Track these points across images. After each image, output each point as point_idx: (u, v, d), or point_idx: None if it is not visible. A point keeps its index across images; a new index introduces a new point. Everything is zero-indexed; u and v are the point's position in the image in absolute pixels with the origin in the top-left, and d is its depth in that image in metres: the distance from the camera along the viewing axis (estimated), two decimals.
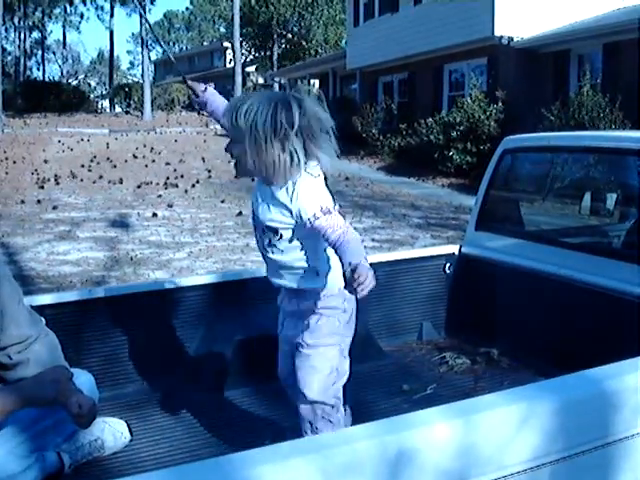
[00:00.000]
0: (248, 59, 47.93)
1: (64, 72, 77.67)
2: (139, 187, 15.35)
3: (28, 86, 47.97)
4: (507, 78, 17.09)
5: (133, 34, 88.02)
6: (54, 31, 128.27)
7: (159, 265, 8.16)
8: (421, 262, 4.25)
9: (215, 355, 3.58)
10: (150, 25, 3.61)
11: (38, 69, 71.45)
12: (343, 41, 38.02)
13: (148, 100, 40.39)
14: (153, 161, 20.36)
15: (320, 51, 43.00)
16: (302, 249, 2.44)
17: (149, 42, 47.74)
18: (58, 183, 15.90)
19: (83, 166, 18.84)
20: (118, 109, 51.70)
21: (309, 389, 2.51)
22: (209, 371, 3.57)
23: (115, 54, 66.75)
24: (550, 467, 1.97)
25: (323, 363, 2.51)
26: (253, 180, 2.53)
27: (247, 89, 44.91)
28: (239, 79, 35.84)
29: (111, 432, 2.91)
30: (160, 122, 35.78)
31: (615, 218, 4.35)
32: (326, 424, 2.55)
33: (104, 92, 69.43)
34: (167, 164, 19.41)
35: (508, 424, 1.92)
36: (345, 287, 2.42)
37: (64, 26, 69.53)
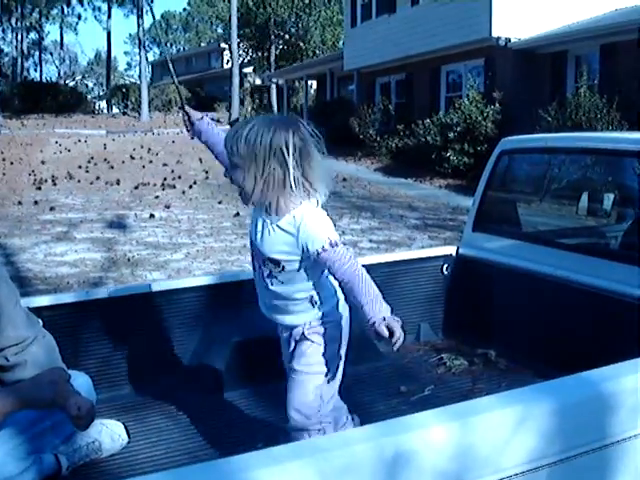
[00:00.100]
0: (245, 60, 47.90)
1: (61, 73, 77.65)
2: (136, 188, 15.33)
3: (25, 87, 47.93)
4: (504, 79, 17.10)
5: (130, 35, 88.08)
6: (51, 32, 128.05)
7: (156, 266, 8.15)
8: (418, 263, 4.25)
9: (213, 356, 3.58)
10: (157, 28, 3.53)
11: (35, 70, 71.47)
12: (340, 42, 38.03)
13: (145, 101, 40.39)
14: (150, 162, 20.35)
15: (317, 52, 42.99)
16: (302, 280, 2.42)
17: (146, 43, 47.79)
18: (55, 184, 15.88)
19: (80, 167, 18.83)
20: (115, 110, 51.70)
21: (293, 415, 2.52)
22: (207, 372, 3.56)
23: (112, 55, 66.79)
24: (547, 469, 1.97)
25: (308, 390, 2.51)
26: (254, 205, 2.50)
27: (244, 90, 44.91)
28: (236, 80, 35.85)
29: (109, 434, 2.91)
30: (157, 123, 35.79)
31: (612, 219, 4.35)
32: None
33: (101, 93, 69.48)
34: (164, 165, 19.41)
35: (505, 426, 1.92)
36: (376, 339, 2.35)
37: (61, 27, 69.55)
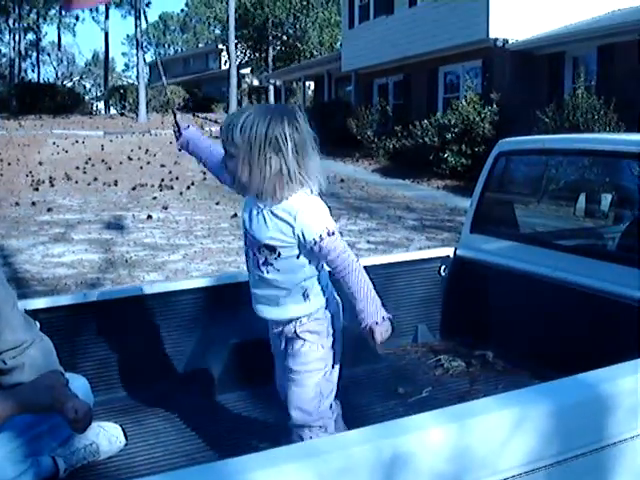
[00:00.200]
0: (243, 61, 47.87)
1: (59, 74, 77.56)
2: (134, 189, 15.33)
3: (23, 88, 47.84)
4: (502, 80, 17.12)
5: (128, 36, 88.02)
6: (49, 33, 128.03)
7: (154, 267, 8.15)
8: (416, 265, 4.25)
9: (211, 358, 3.58)
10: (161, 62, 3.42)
11: (33, 71, 71.36)
12: (338, 43, 38.04)
13: (143, 102, 40.32)
14: (148, 163, 20.35)
15: (315, 53, 42.98)
16: (298, 268, 2.41)
17: (144, 44, 47.75)
18: (53, 185, 15.87)
19: (78, 168, 18.82)
20: (113, 111, 51.64)
21: (294, 414, 2.52)
22: (205, 375, 3.56)
23: (110, 56, 66.60)
24: (545, 471, 1.97)
25: (308, 388, 2.51)
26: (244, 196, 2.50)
27: (242, 91, 44.90)
28: (234, 81, 35.84)
29: (106, 436, 2.91)
30: (155, 124, 35.72)
31: (610, 220, 4.36)
32: None
33: (99, 94, 69.44)
34: (162, 166, 19.40)
35: (503, 428, 1.92)
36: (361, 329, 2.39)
37: (59, 28, 69.48)
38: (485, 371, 3.81)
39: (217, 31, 65.48)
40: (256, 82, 49.21)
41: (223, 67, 51.43)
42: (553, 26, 16.56)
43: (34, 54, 69.97)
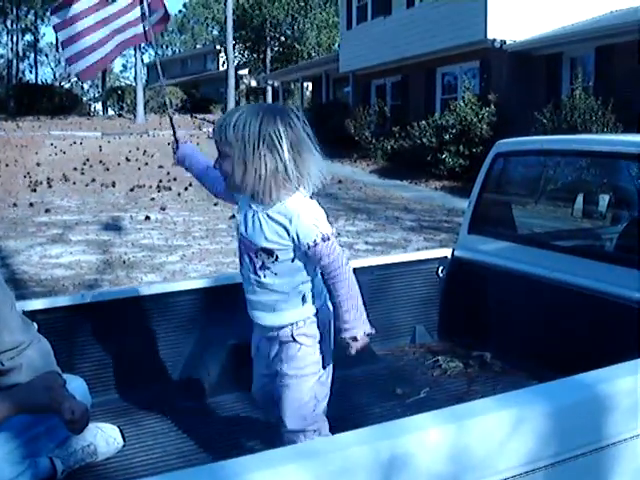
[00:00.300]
0: (241, 62, 47.90)
1: (57, 75, 77.55)
2: (132, 190, 15.32)
3: (21, 89, 47.85)
4: (500, 81, 17.13)
5: None
6: (47, 34, 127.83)
7: (152, 268, 8.15)
8: (414, 265, 4.25)
9: (208, 360, 3.58)
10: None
11: (31, 72, 71.40)
12: (336, 44, 38.05)
13: (141, 103, 40.32)
14: (146, 164, 20.34)
15: (313, 54, 43.00)
16: (296, 272, 2.39)
17: (142, 45, 47.57)
18: (51, 186, 15.86)
19: (76, 169, 18.81)
20: (111, 112, 51.65)
21: (290, 419, 2.50)
22: (202, 376, 3.56)
23: None
24: (543, 471, 1.97)
25: (303, 392, 2.49)
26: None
27: (240, 92, 44.90)
28: (232, 82, 35.83)
29: (104, 438, 2.91)
30: (153, 125, 35.72)
31: (607, 221, 4.36)
32: None
33: (97, 95, 69.33)
34: (160, 167, 19.39)
35: (501, 428, 1.92)
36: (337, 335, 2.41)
37: None
38: (483, 372, 3.81)
39: (215, 32, 65.55)
40: (254, 83, 49.23)
41: (221, 68, 51.41)
42: (551, 27, 16.58)
43: (32, 55, 70.01)
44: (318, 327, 2.48)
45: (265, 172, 2.24)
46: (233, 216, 11.57)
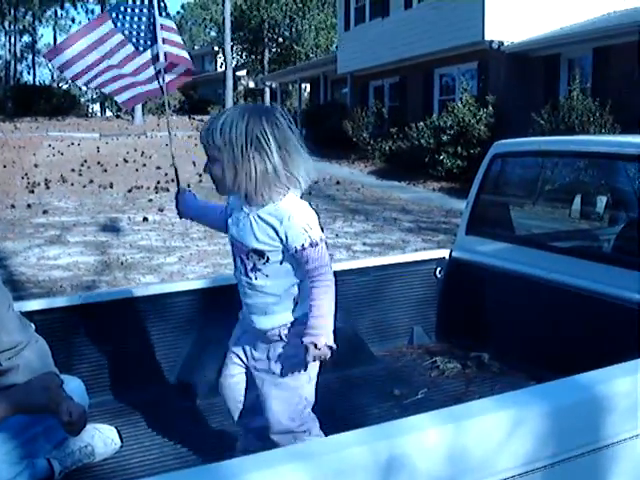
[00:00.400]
0: (239, 63, 47.88)
1: (55, 76, 77.37)
2: (130, 191, 15.31)
3: (18, 90, 47.79)
4: (497, 82, 17.15)
5: None
6: (45, 35, 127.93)
7: (150, 269, 8.14)
8: (412, 266, 4.25)
9: (206, 361, 3.57)
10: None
11: (29, 73, 71.28)
12: (334, 45, 38.06)
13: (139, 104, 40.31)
14: (144, 165, 20.33)
15: (311, 55, 42.99)
16: (287, 274, 2.39)
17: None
18: (48, 187, 15.85)
19: (73, 170, 18.79)
20: (109, 113, 51.64)
21: (279, 418, 2.50)
22: (200, 377, 3.55)
23: None
24: (541, 472, 1.97)
25: (292, 393, 2.49)
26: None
27: (238, 93, 44.89)
28: (230, 83, 35.82)
29: (101, 439, 2.90)
30: (151, 126, 35.68)
31: (605, 222, 4.36)
32: None
33: (95, 96, 69.28)
34: (158, 168, 19.36)
35: (499, 429, 1.92)
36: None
37: (55, 30, 69.36)
38: (481, 373, 3.81)
39: (213, 33, 65.52)
40: (252, 84, 49.18)
41: (219, 69, 51.39)
42: (548, 28, 16.59)
43: (30, 56, 69.92)
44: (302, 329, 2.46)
45: (255, 174, 2.24)
46: None
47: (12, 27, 57.60)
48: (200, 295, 3.68)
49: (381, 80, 23.41)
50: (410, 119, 18.70)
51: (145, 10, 3.31)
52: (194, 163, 20.18)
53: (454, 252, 4.30)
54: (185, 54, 3.34)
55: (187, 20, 78.50)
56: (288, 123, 2.30)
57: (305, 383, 2.51)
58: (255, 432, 2.67)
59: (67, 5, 59.03)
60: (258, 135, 2.21)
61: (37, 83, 60.89)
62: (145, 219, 11.75)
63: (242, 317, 2.63)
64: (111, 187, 15.90)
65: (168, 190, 15.41)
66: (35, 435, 2.64)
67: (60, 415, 2.37)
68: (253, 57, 47.03)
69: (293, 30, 44.39)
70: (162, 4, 3.30)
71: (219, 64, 53.28)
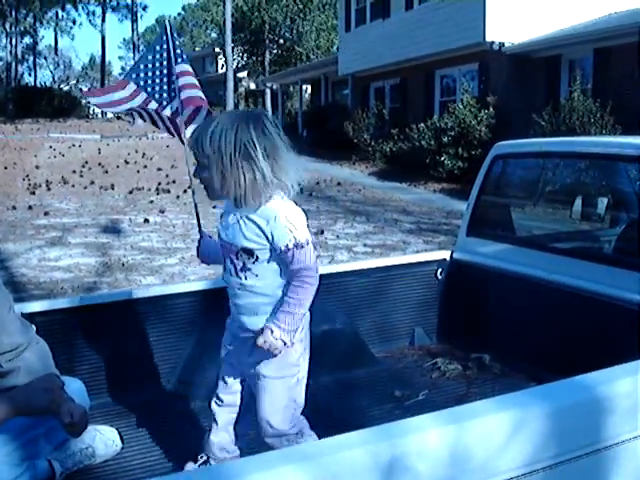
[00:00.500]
0: (240, 65, 47.86)
1: (56, 77, 77.56)
2: (131, 193, 15.32)
3: (20, 92, 47.90)
4: (498, 83, 17.15)
5: (125, 40, 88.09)
6: (46, 36, 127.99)
7: (151, 271, 8.14)
8: (413, 268, 4.25)
9: (207, 362, 3.57)
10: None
11: (30, 75, 71.40)
12: (335, 47, 38.07)
13: None
14: (145, 167, 20.34)
15: (312, 56, 43.00)
16: (276, 273, 2.40)
17: (141, 47, 47.75)
18: (49, 189, 15.86)
19: (75, 172, 18.81)
20: (110, 115, 51.64)
21: (271, 421, 2.50)
22: (201, 378, 3.55)
23: (107, 59, 66.74)
24: (542, 473, 1.97)
25: (282, 394, 2.50)
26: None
27: (239, 94, 44.90)
28: (231, 84, 35.82)
29: (102, 440, 2.90)
30: (152, 128, 35.73)
31: (606, 223, 4.36)
32: None
33: None
34: (159, 170, 19.38)
35: (500, 430, 1.92)
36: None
37: (56, 31, 69.50)
38: (482, 374, 3.81)
39: (214, 35, 65.53)
40: (253, 86, 49.18)
41: (220, 71, 51.43)
42: (549, 29, 16.60)
43: (31, 58, 70.01)
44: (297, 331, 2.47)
45: (244, 181, 2.27)
46: None
47: (13, 29, 57.66)
48: (201, 297, 3.68)
49: (382, 81, 23.42)
50: (411, 120, 18.70)
51: (165, 62, 3.49)
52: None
53: (455, 253, 4.30)
54: (201, 94, 3.45)
55: (188, 22, 78.64)
56: (277, 130, 2.33)
57: (294, 385, 2.52)
58: (248, 437, 2.68)
59: (68, 7, 59.08)
60: (246, 144, 2.25)
61: (38, 85, 61.02)
62: (146, 220, 11.76)
63: (230, 322, 2.64)
64: (112, 188, 15.91)
65: (169, 192, 15.43)
66: (36, 437, 2.64)
67: (61, 417, 2.38)
68: (254, 58, 47.02)
69: (294, 31, 44.39)
70: (179, 52, 3.48)
71: (220, 65, 53.33)
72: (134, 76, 3.52)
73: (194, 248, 2.96)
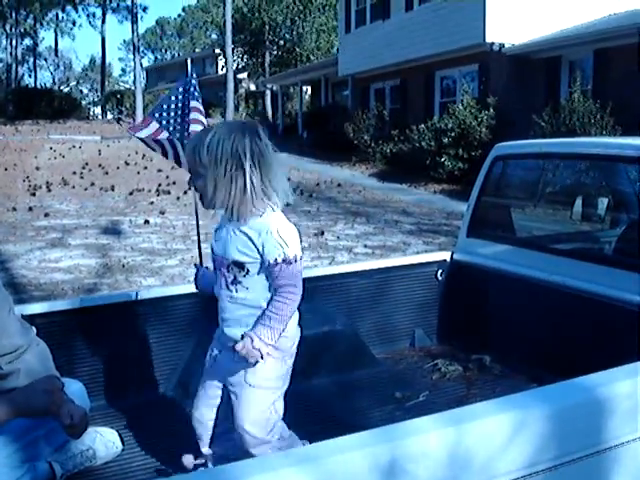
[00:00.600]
0: (240, 66, 47.85)
1: (56, 79, 77.61)
2: (131, 194, 15.32)
3: (20, 93, 47.89)
4: (498, 84, 17.15)
5: (125, 41, 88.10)
6: (46, 38, 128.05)
7: (151, 272, 8.14)
8: (413, 269, 4.25)
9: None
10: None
11: (30, 76, 71.39)
12: (335, 48, 38.06)
13: (140, 107, 40.36)
14: (145, 168, 20.34)
15: (312, 58, 42.98)
16: (267, 286, 2.41)
17: (141, 49, 47.76)
18: (50, 190, 15.86)
19: (75, 173, 18.81)
20: (110, 116, 51.70)
21: (249, 430, 2.51)
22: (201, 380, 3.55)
23: (107, 61, 66.70)
24: (543, 474, 1.97)
25: (263, 403, 2.51)
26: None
27: (239, 96, 44.90)
28: (231, 86, 35.83)
29: (103, 442, 2.90)
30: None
31: (606, 224, 4.36)
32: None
33: (96, 99, 69.46)
34: (159, 171, 19.37)
35: (501, 432, 1.92)
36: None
37: (56, 33, 69.51)
38: (482, 375, 3.81)
39: (214, 36, 65.60)
40: (253, 87, 49.18)
41: (220, 72, 51.43)
42: (549, 30, 16.60)
43: (31, 59, 70.01)
44: (288, 342, 2.50)
45: (236, 191, 2.30)
46: None
47: (13, 30, 57.66)
48: (201, 298, 3.67)
49: (382, 82, 23.42)
50: (411, 121, 18.69)
51: (180, 97, 3.76)
52: None
53: (455, 254, 4.29)
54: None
55: (188, 23, 78.66)
56: (267, 140, 2.36)
57: (276, 395, 2.54)
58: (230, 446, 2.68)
59: (68, 8, 59.08)
60: (240, 154, 2.28)
61: (38, 86, 60.99)
62: (146, 222, 11.76)
63: (217, 336, 2.65)
64: (112, 190, 15.91)
65: (169, 193, 15.43)
66: (36, 438, 2.64)
67: (61, 418, 2.38)
68: (254, 60, 46.99)
69: (294, 33, 44.36)
70: (197, 90, 3.74)
71: (220, 67, 53.34)
72: (157, 115, 3.81)
73: (194, 249, 2.98)
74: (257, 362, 2.41)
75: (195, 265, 2.93)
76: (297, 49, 44.07)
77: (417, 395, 3.58)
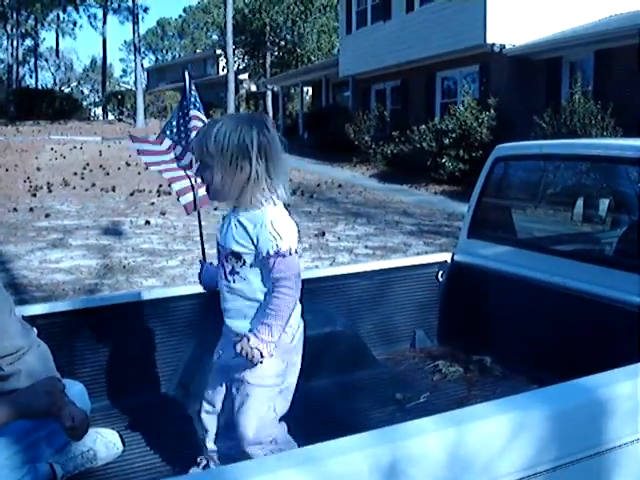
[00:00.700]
0: (241, 66, 47.88)
1: (57, 79, 77.68)
2: (132, 195, 15.33)
3: (21, 94, 47.93)
4: (499, 85, 17.15)
5: (126, 42, 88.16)
6: (47, 39, 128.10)
7: (152, 273, 8.14)
8: (414, 270, 4.25)
9: (208, 364, 3.57)
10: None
11: (31, 77, 71.48)
12: (336, 49, 38.08)
13: (141, 107, 40.39)
14: (146, 168, 20.25)
15: (313, 59, 43.00)
16: (265, 278, 2.41)
17: (142, 49, 47.78)
18: (51, 191, 15.86)
19: (76, 174, 18.81)
20: (111, 116, 51.73)
21: (248, 430, 2.50)
22: (201, 381, 3.55)
23: (108, 62, 66.78)
24: (544, 476, 1.97)
25: (262, 403, 2.50)
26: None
27: (240, 96, 44.92)
28: (232, 86, 35.84)
29: (103, 443, 2.90)
30: (153, 129, 35.71)
31: (607, 225, 4.36)
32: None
33: (97, 100, 69.46)
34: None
35: (501, 433, 1.92)
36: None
37: (57, 34, 69.55)
38: (483, 376, 3.81)
39: (215, 37, 65.61)
40: (254, 88, 49.20)
41: (221, 73, 51.45)
42: (550, 31, 16.61)
43: (32, 60, 70.08)
44: (287, 338, 2.47)
45: (240, 179, 2.32)
46: None
47: (14, 31, 57.72)
48: (202, 299, 3.67)
49: (383, 83, 23.43)
50: (412, 122, 18.69)
51: (185, 110, 3.77)
52: None
53: (456, 255, 4.29)
54: None
55: (189, 24, 78.69)
56: (275, 133, 2.37)
57: (276, 394, 2.52)
58: (228, 446, 2.68)
59: (69, 9, 59.12)
60: (248, 145, 2.29)
61: (39, 87, 61.08)
62: (147, 222, 11.76)
63: (223, 331, 2.64)
64: (113, 190, 15.92)
65: (170, 194, 15.39)
66: (37, 440, 2.64)
67: (62, 420, 2.38)
68: (255, 60, 47.02)
69: (295, 33, 44.38)
70: (195, 100, 3.77)
71: (221, 68, 53.36)
72: (168, 132, 3.85)
73: (195, 250, 2.98)
74: (250, 360, 2.40)
75: (200, 261, 2.93)
76: (298, 50, 44.10)
77: (418, 396, 3.57)
